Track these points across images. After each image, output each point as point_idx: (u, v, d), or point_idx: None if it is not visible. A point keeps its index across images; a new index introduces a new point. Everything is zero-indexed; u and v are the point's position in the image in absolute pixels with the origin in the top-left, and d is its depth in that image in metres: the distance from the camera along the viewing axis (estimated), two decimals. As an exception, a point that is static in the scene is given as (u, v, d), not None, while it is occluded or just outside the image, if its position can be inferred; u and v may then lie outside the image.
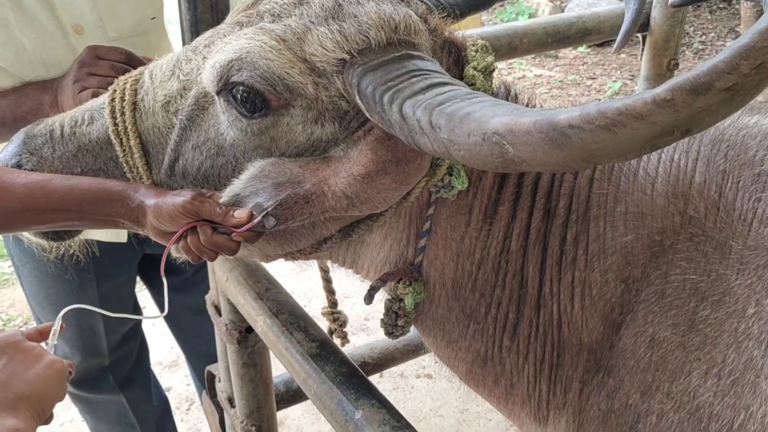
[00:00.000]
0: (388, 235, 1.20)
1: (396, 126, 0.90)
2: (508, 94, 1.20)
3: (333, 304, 1.79)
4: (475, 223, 1.16)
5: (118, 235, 1.93)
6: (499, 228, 1.16)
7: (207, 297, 1.65)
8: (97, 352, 2.18)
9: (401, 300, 1.19)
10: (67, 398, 2.48)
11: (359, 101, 0.97)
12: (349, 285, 1.31)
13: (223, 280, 1.44)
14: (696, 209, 1.01)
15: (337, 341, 1.70)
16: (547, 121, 0.72)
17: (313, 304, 4.05)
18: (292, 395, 1.93)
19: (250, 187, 1.06)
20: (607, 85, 7.01)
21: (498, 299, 1.19)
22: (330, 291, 1.77)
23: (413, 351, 2.18)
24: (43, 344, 1.12)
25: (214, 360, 2.14)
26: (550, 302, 1.15)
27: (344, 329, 1.88)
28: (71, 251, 1.23)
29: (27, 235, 1.24)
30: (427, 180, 1.11)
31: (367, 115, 0.97)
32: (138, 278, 2.29)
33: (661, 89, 0.62)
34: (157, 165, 1.16)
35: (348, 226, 1.17)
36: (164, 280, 1.13)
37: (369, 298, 1.19)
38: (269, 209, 1.03)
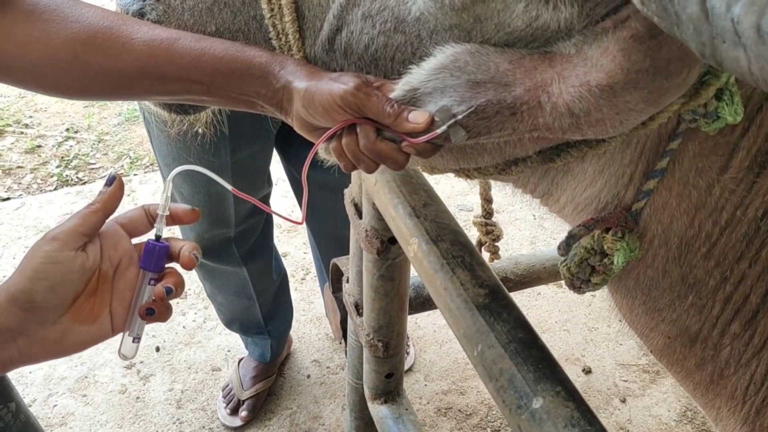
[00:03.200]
0: (606, 168, 0.87)
1: (687, 24, 0.56)
2: None
3: (488, 214, 1.55)
4: (735, 171, 0.82)
5: None
6: None
7: (346, 192, 1.42)
8: (224, 221, 2.05)
9: (605, 255, 0.89)
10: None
11: None
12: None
13: (371, 182, 1.18)
14: None
15: (485, 255, 1.46)
16: None
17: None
18: (421, 302, 1.71)
19: (435, 81, 0.76)
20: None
21: (740, 274, 0.87)
22: (487, 199, 1.51)
23: (562, 273, 1.89)
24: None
25: (341, 243, 1.95)
26: None
27: (497, 243, 1.63)
28: (196, 128, 1.00)
29: (146, 104, 1.02)
30: (683, 102, 0.77)
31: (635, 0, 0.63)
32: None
33: None
34: (313, 34, 0.88)
35: (553, 148, 0.86)
36: (305, 186, 0.89)
37: (565, 248, 0.90)
38: (460, 117, 0.74)
